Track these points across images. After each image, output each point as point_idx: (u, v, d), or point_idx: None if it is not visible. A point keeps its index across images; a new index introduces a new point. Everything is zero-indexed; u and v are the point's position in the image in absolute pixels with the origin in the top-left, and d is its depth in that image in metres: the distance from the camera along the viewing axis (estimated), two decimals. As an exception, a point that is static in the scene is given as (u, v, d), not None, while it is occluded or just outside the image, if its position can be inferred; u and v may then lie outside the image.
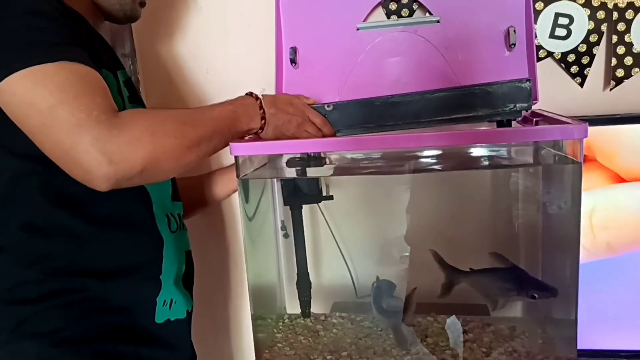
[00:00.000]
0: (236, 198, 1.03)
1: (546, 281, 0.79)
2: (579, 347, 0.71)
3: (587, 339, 0.78)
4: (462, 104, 0.77)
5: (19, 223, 0.62)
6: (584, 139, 0.64)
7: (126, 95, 0.73)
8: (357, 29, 0.84)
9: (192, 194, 0.88)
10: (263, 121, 0.70)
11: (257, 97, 0.71)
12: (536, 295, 0.74)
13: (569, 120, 0.67)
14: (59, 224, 0.63)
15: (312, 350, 0.80)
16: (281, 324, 0.89)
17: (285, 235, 0.90)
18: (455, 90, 0.77)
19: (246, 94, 0.72)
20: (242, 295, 1.05)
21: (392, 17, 0.89)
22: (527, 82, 0.76)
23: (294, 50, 0.84)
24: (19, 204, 0.62)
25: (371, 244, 0.93)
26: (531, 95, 0.77)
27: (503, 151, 0.79)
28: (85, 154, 0.53)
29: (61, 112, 0.53)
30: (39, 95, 0.53)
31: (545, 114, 0.76)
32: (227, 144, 0.68)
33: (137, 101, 0.76)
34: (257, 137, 0.73)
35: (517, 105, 0.77)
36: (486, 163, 0.79)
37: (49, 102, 0.53)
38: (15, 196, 0.62)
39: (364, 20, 0.85)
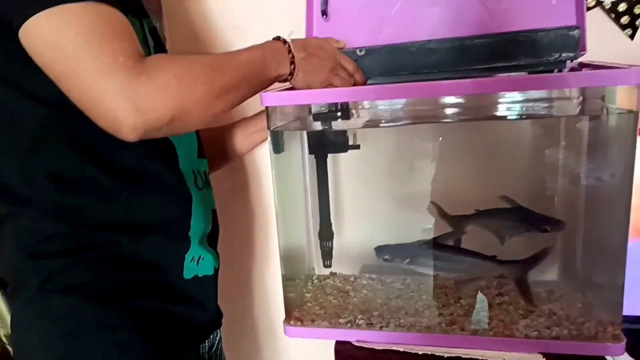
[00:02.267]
0: (261, 159, 1.01)
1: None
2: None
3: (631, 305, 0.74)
4: (504, 52, 0.72)
5: (45, 174, 0.60)
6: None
7: (152, 44, 0.70)
8: (393, -22, 0.80)
9: (214, 148, 0.85)
10: (292, 66, 0.66)
11: (285, 41, 0.67)
12: (548, 228, 0.75)
13: (624, 66, 0.62)
14: (86, 177, 0.61)
15: (342, 309, 0.78)
16: (310, 284, 0.88)
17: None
18: (496, 37, 0.73)
19: (273, 38, 0.68)
20: (266, 257, 1.04)
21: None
22: (577, 30, 0.71)
23: (325, 1, 0.81)
24: (45, 154, 0.60)
25: (394, 203, 0.89)
26: (579, 44, 0.72)
27: (544, 105, 0.75)
28: (112, 103, 0.50)
29: (87, 56, 0.50)
30: (65, 37, 0.50)
31: (595, 63, 0.71)
32: (255, 93, 0.65)
33: (162, 51, 0.73)
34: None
35: (563, 54, 0.72)
36: (525, 116, 0.74)
37: (75, 44, 0.50)
38: (42, 146, 0.60)
39: (400, -32, 0.81)
